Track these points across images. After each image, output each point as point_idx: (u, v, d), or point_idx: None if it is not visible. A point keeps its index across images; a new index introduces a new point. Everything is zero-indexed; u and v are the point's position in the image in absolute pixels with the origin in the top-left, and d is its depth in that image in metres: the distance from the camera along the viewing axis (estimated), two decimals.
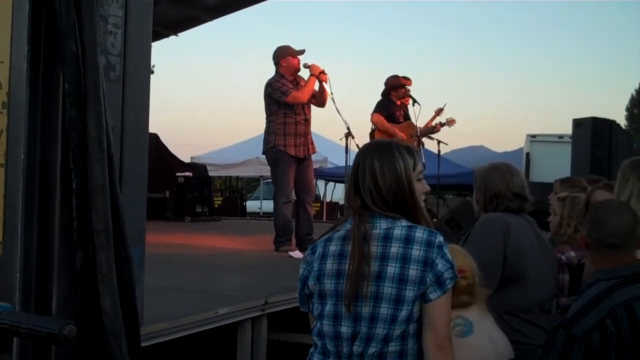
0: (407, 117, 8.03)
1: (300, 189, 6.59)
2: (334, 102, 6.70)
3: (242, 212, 15.74)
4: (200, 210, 10.87)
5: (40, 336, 1.53)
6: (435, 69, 74.09)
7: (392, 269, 2.12)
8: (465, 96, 64.28)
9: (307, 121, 6.61)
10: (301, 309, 2.36)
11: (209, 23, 10.95)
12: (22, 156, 2.08)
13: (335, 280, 2.18)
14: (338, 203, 17.79)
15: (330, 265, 2.20)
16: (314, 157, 6.95)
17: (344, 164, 8.08)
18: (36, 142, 2.11)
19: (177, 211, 10.53)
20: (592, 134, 9.80)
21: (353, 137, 7.33)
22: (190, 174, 11.38)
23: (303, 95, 6.49)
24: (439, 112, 8.26)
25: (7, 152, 2.11)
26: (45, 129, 2.12)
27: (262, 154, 6.87)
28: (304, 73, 6.66)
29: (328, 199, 19.53)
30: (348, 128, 7.28)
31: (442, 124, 8.20)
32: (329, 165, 18.00)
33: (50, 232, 2.13)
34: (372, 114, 7.88)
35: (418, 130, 7.90)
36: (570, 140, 10.93)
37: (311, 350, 2.28)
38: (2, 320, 1.54)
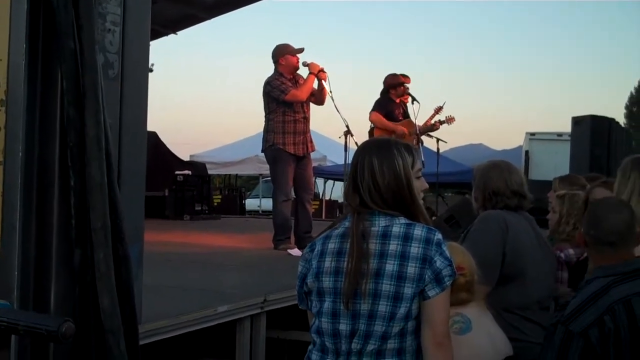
0: (406, 115, 8.02)
1: (300, 187, 6.59)
2: (333, 100, 6.71)
3: (241, 210, 15.76)
4: (200, 208, 10.88)
5: (38, 334, 1.53)
6: (435, 67, 74.13)
7: (390, 266, 2.12)
8: (464, 95, 64.33)
9: (306, 119, 6.61)
10: (300, 307, 2.36)
11: (208, 21, 10.95)
12: (20, 154, 2.08)
13: (333, 277, 2.18)
14: (337, 201, 17.81)
15: (328, 262, 2.20)
16: (313, 155, 6.95)
17: (343, 162, 8.08)
18: (34, 139, 2.11)
19: (176, 209, 10.54)
20: (591, 132, 9.80)
21: (352, 135, 7.32)
22: (190, 172, 11.39)
23: (302, 94, 6.48)
24: (438, 110, 8.25)
25: (5, 149, 2.12)
26: (44, 127, 2.12)
27: (261, 152, 6.87)
28: (303, 71, 6.66)
29: (327, 197, 19.54)
30: (347, 126, 7.28)
31: (441, 122, 8.20)
32: (328, 164, 17.99)
33: (49, 230, 2.13)
34: (370, 113, 7.87)
35: (417, 129, 7.89)
36: (569, 138, 10.93)
37: (310, 347, 2.28)
38: (0, 317, 1.54)
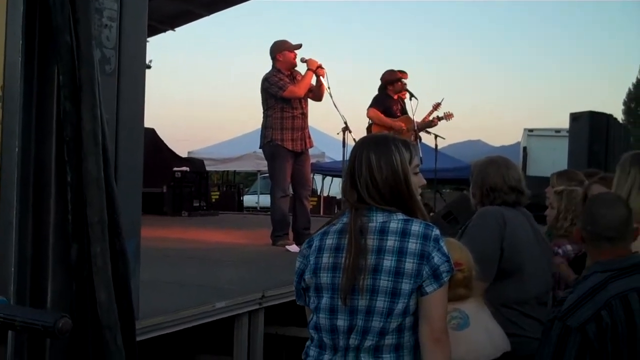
0: (404, 111, 8.02)
1: (297, 183, 6.60)
2: (331, 96, 6.71)
3: (240, 207, 15.76)
4: (198, 204, 10.89)
5: (35, 329, 1.53)
6: (433, 64, 74.12)
7: (388, 262, 2.12)
8: (462, 91, 64.27)
9: (304, 115, 6.61)
10: (298, 303, 2.36)
11: (206, 18, 10.94)
12: (17, 149, 2.08)
13: (331, 273, 2.18)
14: (335, 197, 17.81)
15: (326, 258, 2.20)
16: (311, 151, 6.95)
17: (341, 159, 8.07)
18: (31, 135, 2.11)
19: (174, 206, 10.55)
20: (590, 128, 9.81)
21: (350, 132, 7.32)
22: (188, 169, 11.39)
23: (300, 90, 6.48)
24: (436, 106, 8.25)
25: (2, 145, 2.11)
26: (40, 123, 2.12)
27: (260, 148, 6.87)
28: (302, 67, 6.66)
29: (325, 194, 19.53)
30: (345, 122, 7.28)
31: (439, 118, 8.20)
32: (327, 160, 17.99)
33: (45, 225, 2.13)
34: (368, 109, 7.87)
35: (415, 125, 7.89)
36: (567, 134, 10.93)
37: (307, 343, 2.28)
38: None
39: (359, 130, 7.86)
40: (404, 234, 2.15)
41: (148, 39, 2.78)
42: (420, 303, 2.13)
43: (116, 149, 2.40)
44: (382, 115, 7.76)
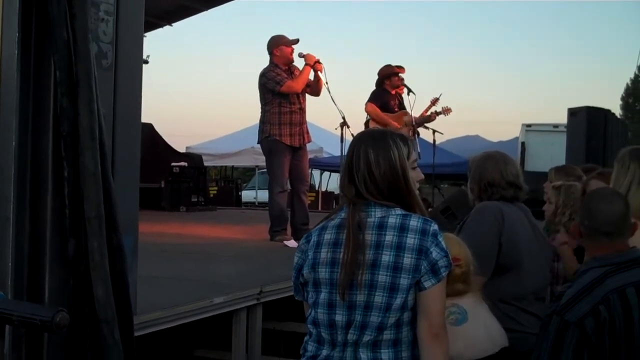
0: (402, 106, 8.01)
1: (295, 178, 6.59)
2: (329, 91, 6.71)
3: (238, 202, 15.76)
4: (196, 200, 10.90)
5: (32, 324, 1.53)
6: (431, 59, 74.04)
7: (386, 257, 2.12)
8: (460, 86, 64.29)
9: (302, 110, 6.61)
10: (296, 298, 2.36)
11: (204, 12, 10.93)
12: (14, 144, 2.07)
13: (329, 268, 2.18)
14: (333, 193, 17.81)
15: (324, 253, 2.20)
16: (309, 146, 6.95)
17: (339, 154, 8.07)
18: (28, 130, 2.10)
19: (172, 201, 10.56)
20: (587, 123, 9.82)
21: (348, 127, 7.32)
22: (186, 164, 11.39)
23: (297, 85, 6.48)
24: (434, 101, 8.24)
25: None
26: (37, 117, 2.11)
27: (257, 143, 6.86)
28: (300, 62, 6.64)
29: (323, 189, 19.54)
30: (343, 117, 7.27)
31: (437, 113, 8.19)
32: (324, 155, 17.99)
33: (42, 220, 2.13)
34: (366, 104, 7.87)
35: (413, 120, 7.89)
36: (565, 129, 10.94)
37: (306, 338, 2.28)
38: None
39: (357, 126, 7.87)
40: (402, 229, 2.15)
41: (145, 34, 2.77)
42: (419, 298, 2.13)
43: (113, 144, 2.40)
44: (380, 111, 7.75)
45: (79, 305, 2.02)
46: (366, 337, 2.11)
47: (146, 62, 10.97)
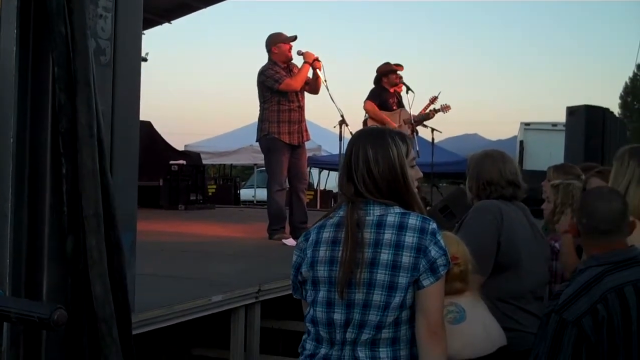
0: (400, 104, 8.01)
1: (294, 176, 6.58)
2: (327, 89, 6.70)
3: (236, 200, 15.76)
4: (194, 198, 10.89)
5: (30, 321, 1.52)
6: (430, 58, 74.04)
7: (385, 255, 2.12)
8: (459, 85, 64.31)
9: (301, 108, 6.60)
10: (295, 296, 2.36)
11: (203, 10, 10.91)
12: (12, 140, 2.07)
13: (328, 267, 2.17)
14: (332, 191, 17.82)
15: (323, 252, 2.19)
16: (307, 144, 6.94)
17: (337, 152, 8.07)
18: (26, 126, 2.10)
19: (170, 199, 10.54)
20: (586, 122, 9.81)
21: (347, 125, 7.32)
22: (184, 162, 11.38)
23: (296, 83, 6.47)
24: (433, 100, 8.24)
25: None
26: (35, 114, 2.11)
27: (256, 141, 6.86)
28: (298, 60, 6.64)
29: (322, 187, 19.54)
30: (342, 116, 7.27)
31: (436, 110, 8.19)
32: (323, 153, 17.99)
33: (41, 217, 2.12)
34: (364, 102, 7.86)
35: (412, 118, 7.88)
36: (564, 128, 10.93)
37: (304, 337, 2.28)
38: None
39: (356, 124, 7.86)
40: (401, 227, 2.14)
41: (144, 32, 2.76)
42: (417, 297, 2.12)
43: (112, 141, 2.39)
44: (378, 109, 7.75)
45: (77, 302, 2.01)
46: (364, 336, 2.11)
47: (145, 59, 10.95)
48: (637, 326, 2.39)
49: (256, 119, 6.74)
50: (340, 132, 7.46)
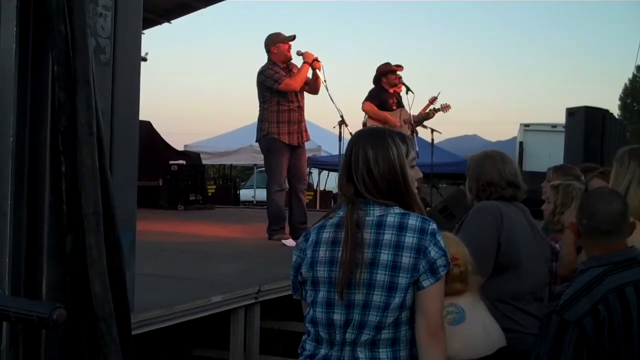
0: (400, 105, 8.01)
1: (293, 177, 6.58)
2: (327, 89, 6.69)
3: (236, 201, 15.76)
4: (194, 198, 10.89)
5: (30, 320, 1.52)
6: (429, 59, 74.05)
7: (385, 256, 2.11)
8: (459, 85, 64.35)
9: (301, 108, 6.60)
10: (294, 297, 2.35)
11: (203, 10, 10.91)
12: (11, 139, 2.06)
13: (328, 267, 2.17)
14: (332, 192, 17.82)
15: (323, 252, 2.19)
16: (307, 145, 6.93)
17: (337, 153, 8.07)
18: (25, 124, 2.09)
19: (170, 199, 10.54)
20: (585, 123, 9.81)
21: (347, 125, 7.31)
22: (184, 162, 11.38)
23: (296, 83, 6.46)
24: (432, 100, 8.24)
25: None
26: (35, 112, 2.11)
27: (256, 141, 6.85)
28: (298, 60, 6.63)
29: (321, 188, 19.55)
30: (342, 116, 7.27)
31: (436, 110, 8.19)
32: (323, 154, 17.99)
33: (40, 216, 2.12)
34: (363, 103, 7.85)
35: (412, 118, 7.88)
36: (563, 129, 10.94)
37: (304, 337, 2.27)
38: None
39: (356, 124, 7.87)
40: (401, 227, 2.14)
41: (144, 31, 2.76)
42: (417, 297, 2.12)
43: (111, 139, 2.39)
44: (377, 109, 7.74)
45: (77, 301, 2.01)
46: (364, 337, 2.11)
47: (145, 59, 10.95)
48: (637, 327, 2.39)
49: (256, 119, 6.73)
50: (340, 132, 7.46)
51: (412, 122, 7.87)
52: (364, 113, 7.90)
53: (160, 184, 10.62)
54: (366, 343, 2.11)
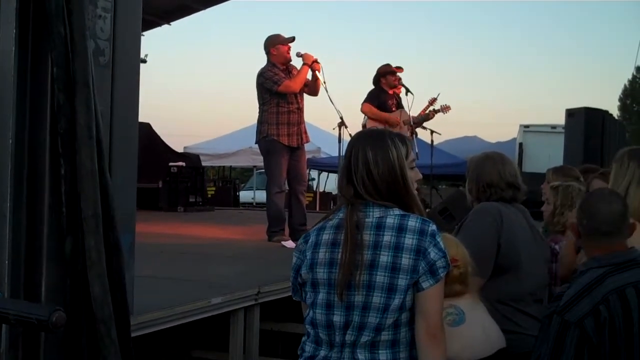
0: (399, 106, 8.01)
1: (293, 178, 6.58)
2: (327, 91, 6.69)
3: (235, 202, 15.76)
4: (193, 200, 10.88)
5: (29, 323, 1.52)
6: (429, 60, 74.10)
7: (384, 257, 2.11)
8: (458, 85, 64.39)
9: (300, 110, 6.60)
10: (294, 298, 2.35)
11: (202, 12, 10.92)
12: (11, 141, 2.06)
13: (328, 269, 2.17)
14: (331, 193, 17.81)
15: (323, 254, 2.19)
16: (307, 146, 6.93)
17: (337, 154, 8.07)
18: (25, 126, 2.09)
19: (170, 201, 10.54)
20: (585, 124, 9.82)
21: (346, 127, 7.32)
22: (184, 164, 11.38)
23: (295, 84, 6.46)
24: (432, 101, 8.25)
25: None
26: (34, 114, 2.10)
27: (255, 143, 6.85)
28: (297, 62, 6.64)
29: (321, 189, 19.54)
30: (341, 118, 7.27)
31: (436, 111, 8.19)
32: (322, 155, 18.00)
33: (39, 218, 2.11)
34: (362, 104, 7.85)
35: (411, 120, 7.88)
36: (563, 130, 10.94)
37: (303, 339, 2.27)
38: None
39: (355, 126, 7.87)
40: (401, 229, 2.14)
41: (143, 33, 2.76)
42: (417, 299, 2.12)
43: (111, 142, 2.38)
44: (376, 110, 7.74)
45: (76, 304, 2.01)
46: (364, 338, 2.11)
47: (144, 61, 10.94)
48: (638, 328, 2.39)
49: (255, 121, 6.73)
50: (340, 134, 7.46)
51: (412, 123, 7.87)
52: (363, 116, 7.90)
53: (160, 185, 10.62)
54: (366, 344, 2.11)
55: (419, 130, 8.46)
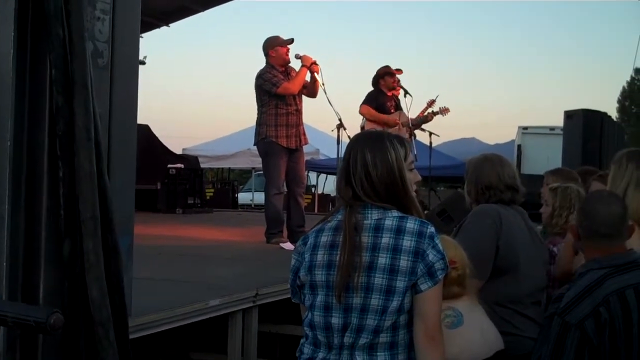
0: (398, 108, 8.01)
1: (291, 180, 6.58)
2: (325, 93, 6.70)
3: (234, 204, 15.74)
4: (192, 202, 10.88)
5: (27, 325, 1.51)
6: (430, 60, 74.17)
7: (383, 259, 2.11)
8: (457, 87, 64.46)
9: (299, 112, 6.60)
10: (293, 300, 2.35)
11: (201, 13, 10.93)
12: (9, 143, 2.05)
13: (326, 271, 2.17)
14: (330, 195, 17.81)
15: (321, 256, 2.19)
16: (305, 148, 6.94)
17: (335, 156, 8.07)
18: (23, 129, 2.08)
19: (168, 203, 10.53)
20: (584, 126, 9.82)
21: (345, 129, 7.33)
22: (182, 166, 11.37)
23: (294, 86, 6.47)
24: (431, 103, 8.25)
25: None
26: (33, 116, 2.10)
27: (254, 145, 6.86)
28: (296, 64, 6.64)
29: (320, 191, 19.54)
30: (340, 119, 7.28)
31: (434, 113, 8.20)
32: (321, 157, 18.01)
33: (37, 220, 2.11)
34: (360, 106, 7.86)
35: (410, 121, 7.89)
36: (561, 132, 10.96)
37: (302, 341, 2.27)
38: None
39: (354, 128, 7.88)
40: (399, 231, 2.14)
41: (142, 35, 2.76)
42: (415, 301, 2.12)
43: (109, 144, 2.38)
44: (374, 112, 7.74)
45: (74, 306, 2.00)
46: (362, 340, 2.10)
47: (143, 63, 10.96)
48: (638, 329, 2.40)
49: (254, 123, 6.73)
50: (338, 135, 7.47)
51: (411, 125, 7.87)
52: (361, 118, 7.91)
53: (159, 187, 10.61)
54: (364, 347, 2.11)
55: (417, 132, 8.47)
